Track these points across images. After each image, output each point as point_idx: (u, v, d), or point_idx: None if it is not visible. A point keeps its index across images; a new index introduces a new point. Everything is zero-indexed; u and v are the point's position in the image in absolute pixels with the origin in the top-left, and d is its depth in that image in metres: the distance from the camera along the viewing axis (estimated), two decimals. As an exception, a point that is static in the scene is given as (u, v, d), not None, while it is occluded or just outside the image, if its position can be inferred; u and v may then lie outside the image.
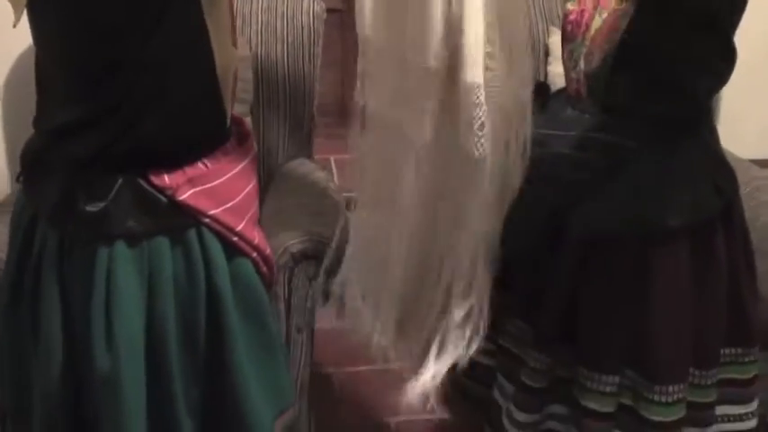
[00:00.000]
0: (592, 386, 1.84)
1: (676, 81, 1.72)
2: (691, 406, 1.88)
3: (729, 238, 1.83)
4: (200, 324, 1.55)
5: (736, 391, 1.93)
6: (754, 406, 1.95)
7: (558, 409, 1.96)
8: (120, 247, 1.46)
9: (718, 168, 1.82)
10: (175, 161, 1.50)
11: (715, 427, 1.93)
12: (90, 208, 1.44)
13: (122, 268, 1.46)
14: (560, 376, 1.91)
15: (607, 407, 1.86)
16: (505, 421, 1.99)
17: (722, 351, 1.90)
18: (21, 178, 1.58)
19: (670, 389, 1.82)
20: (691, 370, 1.86)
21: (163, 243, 1.49)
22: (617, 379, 1.84)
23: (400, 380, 2.77)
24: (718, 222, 1.81)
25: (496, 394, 2.04)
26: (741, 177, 2.51)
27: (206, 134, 1.55)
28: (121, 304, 1.47)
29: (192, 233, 1.51)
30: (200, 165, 1.53)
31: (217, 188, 1.54)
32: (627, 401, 1.88)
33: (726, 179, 1.84)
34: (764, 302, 2.31)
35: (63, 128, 1.45)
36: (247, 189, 1.60)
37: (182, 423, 1.57)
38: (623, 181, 1.75)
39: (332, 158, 3.09)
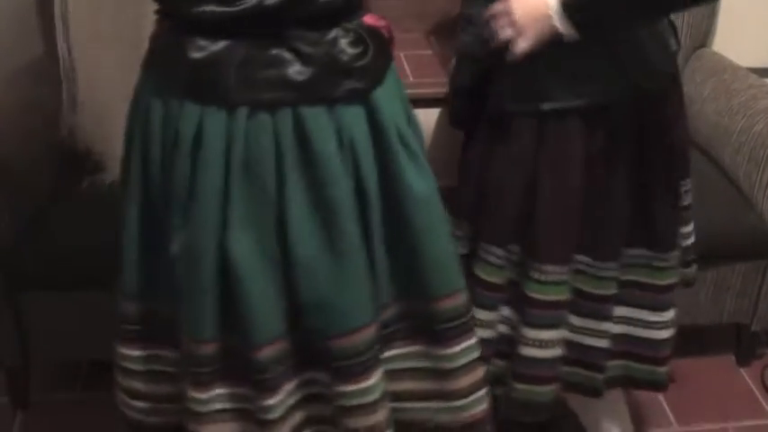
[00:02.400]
0: (481, 254, 1.83)
1: None
2: (585, 296, 1.84)
3: (643, 133, 1.75)
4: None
5: (647, 296, 1.87)
6: (668, 316, 1.89)
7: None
8: (344, 107, 1.41)
9: (637, 60, 1.70)
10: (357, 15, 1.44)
11: (621, 328, 1.89)
12: (299, 74, 1.36)
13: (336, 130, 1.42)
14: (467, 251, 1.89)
15: (494, 277, 1.84)
16: None
17: (630, 251, 1.84)
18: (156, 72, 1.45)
19: (549, 268, 1.79)
20: (583, 258, 1.82)
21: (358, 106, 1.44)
22: (501, 251, 1.82)
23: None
24: (629, 113, 1.72)
25: None
26: (738, 85, 2.55)
27: None
28: (330, 167, 1.42)
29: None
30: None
31: None
32: (514, 276, 1.86)
33: (644, 72, 1.72)
34: (754, 212, 2.35)
35: None
36: None
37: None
38: (526, 63, 1.70)
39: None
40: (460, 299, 1.56)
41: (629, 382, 1.97)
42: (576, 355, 1.88)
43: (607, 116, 1.71)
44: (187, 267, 1.42)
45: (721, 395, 2.47)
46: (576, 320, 1.86)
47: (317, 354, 1.48)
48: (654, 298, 1.86)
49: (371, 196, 1.45)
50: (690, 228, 1.95)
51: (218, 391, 1.51)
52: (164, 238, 1.45)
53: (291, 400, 1.54)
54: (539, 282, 1.78)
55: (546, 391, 1.88)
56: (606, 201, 1.76)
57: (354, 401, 1.50)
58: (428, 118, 2.75)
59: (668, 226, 1.83)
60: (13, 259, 2.14)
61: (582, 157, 1.73)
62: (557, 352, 1.86)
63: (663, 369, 1.91)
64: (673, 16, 1.80)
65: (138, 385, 1.61)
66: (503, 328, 1.88)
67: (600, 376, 1.90)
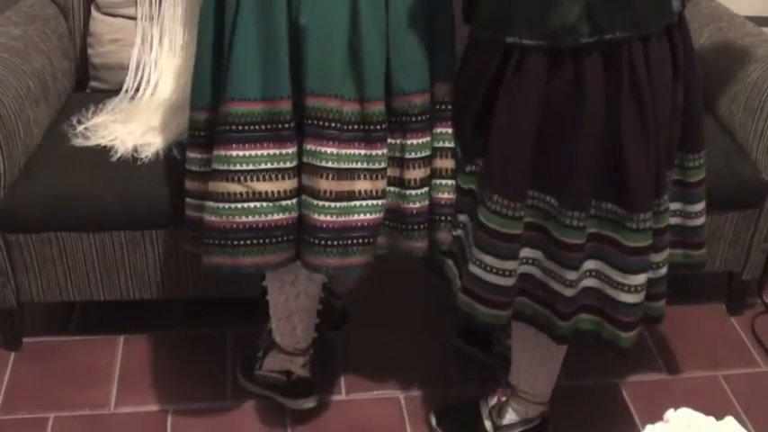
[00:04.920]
0: (490, 206, 1.76)
1: None
2: (602, 238, 1.78)
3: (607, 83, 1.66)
4: None
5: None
6: (636, 280, 1.80)
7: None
8: None
9: None
10: None
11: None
12: None
13: None
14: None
15: (516, 228, 1.78)
16: None
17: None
18: None
19: (577, 214, 1.72)
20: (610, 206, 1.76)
21: None
22: (518, 205, 1.76)
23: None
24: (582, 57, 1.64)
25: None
26: (735, 34, 2.54)
27: None
28: None
29: None
30: None
31: None
32: (540, 222, 1.80)
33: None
34: (748, 161, 2.35)
35: None
36: None
37: None
38: None
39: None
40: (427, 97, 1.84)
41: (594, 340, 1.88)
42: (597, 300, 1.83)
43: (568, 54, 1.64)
44: (320, 33, 1.71)
45: (712, 343, 2.49)
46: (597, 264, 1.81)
47: (398, 111, 1.81)
48: (622, 258, 1.78)
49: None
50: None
51: (347, 150, 1.79)
52: (278, 31, 1.72)
53: None
54: (568, 227, 1.73)
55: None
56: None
57: (421, 153, 1.83)
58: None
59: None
60: (5, 202, 2.15)
61: (604, 95, 1.65)
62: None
63: (628, 334, 1.83)
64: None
65: (257, 185, 1.78)
66: (525, 269, 1.83)
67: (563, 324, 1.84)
